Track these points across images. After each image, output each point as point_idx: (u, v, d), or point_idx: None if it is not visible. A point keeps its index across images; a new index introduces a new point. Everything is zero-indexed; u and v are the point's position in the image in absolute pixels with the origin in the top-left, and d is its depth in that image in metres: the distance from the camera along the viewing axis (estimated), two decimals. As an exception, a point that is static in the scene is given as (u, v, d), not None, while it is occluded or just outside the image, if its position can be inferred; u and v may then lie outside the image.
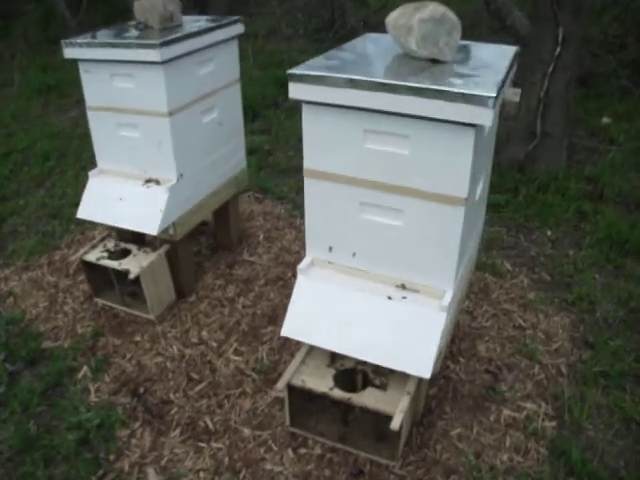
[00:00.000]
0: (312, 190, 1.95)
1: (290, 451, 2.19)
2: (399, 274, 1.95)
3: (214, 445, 2.23)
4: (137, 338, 2.78)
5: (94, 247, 2.95)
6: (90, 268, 2.92)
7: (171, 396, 2.45)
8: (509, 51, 1.99)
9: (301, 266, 2.05)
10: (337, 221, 1.95)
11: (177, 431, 2.29)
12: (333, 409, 2.14)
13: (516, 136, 4.18)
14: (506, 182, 3.94)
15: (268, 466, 2.14)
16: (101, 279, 2.94)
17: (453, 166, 1.68)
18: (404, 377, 2.05)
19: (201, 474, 2.12)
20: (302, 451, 2.19)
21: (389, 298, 1.93)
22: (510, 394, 2.40)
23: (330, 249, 2.03)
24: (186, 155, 2.74)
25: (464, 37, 1.88)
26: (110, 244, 2.98)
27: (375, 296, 1.94)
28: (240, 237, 3.52)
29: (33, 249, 3.46)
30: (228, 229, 3.41)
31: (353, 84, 1.65)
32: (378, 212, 1.88)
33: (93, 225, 3.53)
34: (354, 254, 1.99)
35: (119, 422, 2.33)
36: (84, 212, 2.84)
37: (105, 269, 2.86)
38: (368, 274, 2.00)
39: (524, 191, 3.86)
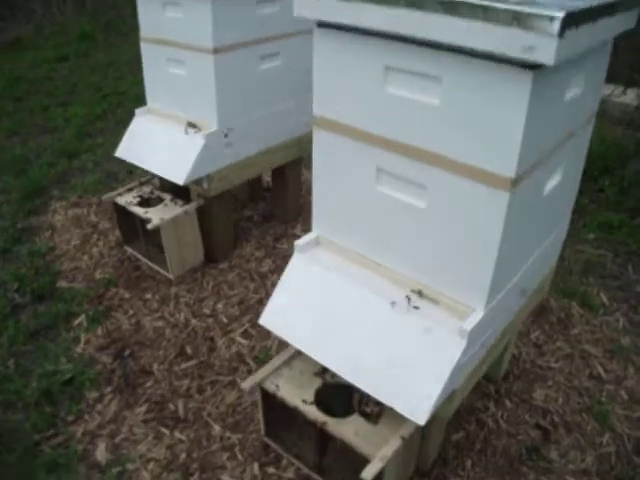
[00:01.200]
0: (322, 145, 1.51)
1: (256, 466, 1.78)
2: (417, 275, 1.45)
3: (176, 435, 1.89)
4: (147, 295, 2.52)
5: (130, 190, 2.74)
6: (123, 213, 2.71)
7: (154, 367, 2.15)
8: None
9: (300, 242, 1.61)
10: (349, 188, 1.49)
11: (143, 407, 1.98)
12: (310, 430, 1.69)
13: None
14: (626, 200, 3.14)
15: (225, 477, 1.75)
16: (133, 226, 2.72)
17: (498, 128, 1.15)
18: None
19: (149, 465, 1.79)
20: (270, 470, 1.77)
21: (393, 305, 1.43)
22: (560, 464, 1.78)
23: (338, 226, 1.57)
24: (234, 102, 2.40)
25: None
26: (147, 189, 2.74)
27: (380, 299, 1.46)
28: (299, 210, 3.14)
29: (90, 186, 3.35)
30: (285, 198, 3.04)
31: (371, -4, 1.17)
32: (397, 185, 1.38)
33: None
34: (365, 238, 1.52)
35: (91, 382, 2.07)
36: (122, 151, 2.62)
37: (134, 218, 2.63)
38: (380, 268, 1.51)
39: (648, 214, 3.06)
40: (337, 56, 1.35)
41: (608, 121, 3.69)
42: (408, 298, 1.43)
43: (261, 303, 2.48)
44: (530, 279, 1.65)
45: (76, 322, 2.36)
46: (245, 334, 2.31)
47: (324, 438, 1.66)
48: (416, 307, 1.42)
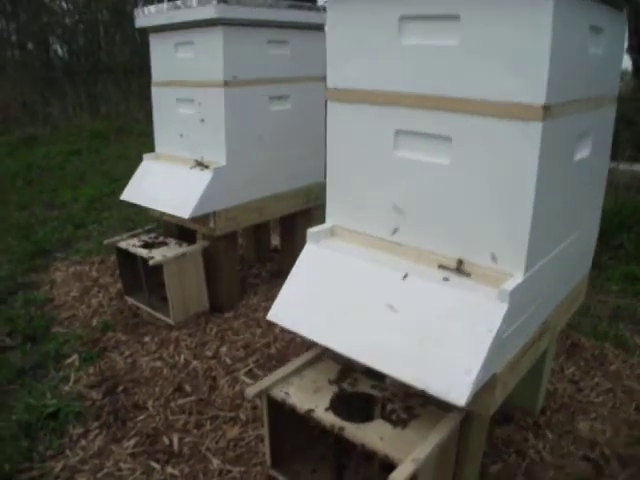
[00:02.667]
0: (336, 120, 1.46)
1: (261, 501, 1.52)
2: (445, 247, 1.32)
3: (169, 470, 1.63)
4: (146, 339, 2.33)
5: (134, 236, 2.65)
6: (125, 260, 2.61)
7: (148, 403, 1.92)
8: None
9: (313, 230, 1.50)
10: (366, 162, 1.41)
11: (132, 441, 1.74)
12: (325, 450, 1.45)
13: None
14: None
15: (224, 513, 1.48)
16: (135, 275, 2.60)
17: (523, 54, 1.09)
18: (437, 417, 1.34)
19: (135, 501, 1.53)
20: (278, 505, 1.50)
21: (420, 279, 1.29)
22: (620, 498, 1.51)
23: (354, 209, 1.47)
24: (242, 139, 2.40)
25: None
26: (151, 235, 2.66)
27: (402, 274, 1.31)
28: (307, 267, 3.02)
29: (94, 249, 3.27)
30: (293, 251, 2.92)
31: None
32: (418, 145, 1.30)
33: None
34: (384, 216, 1.41)
35: (77, 417, 1.84)
36: (128, 194, 2.58)
37: (137, 264, 2.52)
38: (401, 248, 1.39)
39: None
40: (350, 16, 1.33)
41: (617, 188, 3.68)
42: (442, 267, 1.29)
43: (268, 347, 2.29)
44: (566, 269, 1.51)
45: (67, 361, 2.16)
46: (250, 374, 2.10)
47: (341, 454, 1.42)
48: (446, 279, 1.28)
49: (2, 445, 1.72)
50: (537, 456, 1.65)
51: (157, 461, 1.67)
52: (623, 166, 3.93)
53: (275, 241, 3.31)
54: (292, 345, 2.30)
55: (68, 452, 1.71)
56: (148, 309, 2.55)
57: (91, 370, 2.11)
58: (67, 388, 2.00)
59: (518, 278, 1.21)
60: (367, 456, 1.53)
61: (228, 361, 2.18)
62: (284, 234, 3.01)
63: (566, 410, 1.85)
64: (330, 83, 1.43)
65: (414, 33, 1.24)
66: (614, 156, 4.02)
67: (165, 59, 2.50)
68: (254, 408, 1.89)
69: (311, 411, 1.37)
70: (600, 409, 1.86)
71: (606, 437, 1.73)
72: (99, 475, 1.62)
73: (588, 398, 1.92)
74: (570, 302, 1.67)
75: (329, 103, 1.45)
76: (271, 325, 2.47)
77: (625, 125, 4.94)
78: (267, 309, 2.57)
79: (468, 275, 1.28)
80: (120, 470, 1.64)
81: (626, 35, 1.52)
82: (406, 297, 1.28)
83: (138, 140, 6.26)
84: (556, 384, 2.00)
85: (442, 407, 1.36)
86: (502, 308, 1.16)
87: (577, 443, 1.70)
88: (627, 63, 7.76)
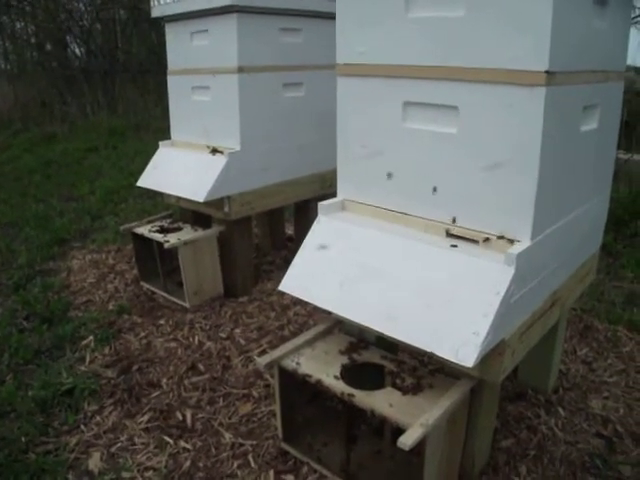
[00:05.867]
0: (345, 95, 1.48)
1: (272, 474, 1.53)
2: (452, 215, 1.33)
3: (182, 444, 1.66)
4: (161, 321, 2.36)
5: (149, 222, 2.69)
6: (141, 247, 2.65)
7: (162, 381, 1.95)
8: None
9: (324, 203, 1.51)
10: (375, 134, 1.42)
11: (146, 416, 1.77)
12: (336, 423, 1.46)
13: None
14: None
15: (235, 485, 1.50)
16: (152, 261, 2.64)
17: (526, 20, 1.10)
18: (447, 385, 1.34)
19: (147, 474, 1.55)
20: (288, 478, 1.52)
21: (429, 246, 1.30)
22: (632, 473, 1.50)
23: (364, 182, 1.48)
24: (256, 125, 2.42)
25: None
26: (167, 221, 2.69)
27: (413, 243, 1.32)
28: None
29: (110, 238, 3.32)
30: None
31: None
32: (425, 115, 1.31)
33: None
34: (393, 187, 1.42)
35: (92, 394, 1.88)
36: (144, 181, 2.62)
37: (153, 250, 2.56)
38: (410, 219, 1.40)
39: None
40: (360, -9, 1.35)
41: (632, 177, 3.64)
42: (450, 235, 1.30)
43: (282, 329, 2.31)
44: (575, 241, 1.51)
45: (83, 343, 2.20)
46: (264, 354, 2.12)
47: (351, 423, 1.43)
48: (454, 246, 1.29)
49: (19, 420, 1.76)
50: (549, 432, 1.64)
51: (170, 436, 1.69)
52: (638, 156, 3.91)
53: (290, 231, 3.33)
54: (305, 328, 2.31)
55: (83, 427, 1.74)
56: (163, 293, 2.58)
57: (106, 351, 2.14)
58: (83, 367, 2.04)
59: (525, 244, 1.21)
60: (378, 430, 1.55)
61: (242, 342, 2.20)
62: (298, 221, 3.03)
63: (579, 389, 1.84)
64: (339, 58, 1.45)
65: (421, 5, 1.25)
66: (629, 147, 4.00)
67: (181, 48, 2.53)
68: (267, 386, 1.91)
69: (322, 380, 1.39)
70: (613, 388, 1.85)
71: (619, 415, 1.72)
72: (113, 449, 1.65)
73: (601, 378, 1.91)
74: (580, 277, 1.66)
75: (338, 79, 1.47)
76: (285, 309, 2.49)
77: (640, 118, 4.91)
78: (281, 294, 2.61)
79: (476, 242, 1.28)
80: (134, 444, 1.67)
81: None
82: (415, 264, 1.29)
83: (155, 136, 6.29)
84: (569, 365, 1.99)
85: (452, 375, 1.37)
86: (509, 272, 1.17)
87: (590, 420, 1.69)
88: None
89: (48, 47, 8.86)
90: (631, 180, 3.53)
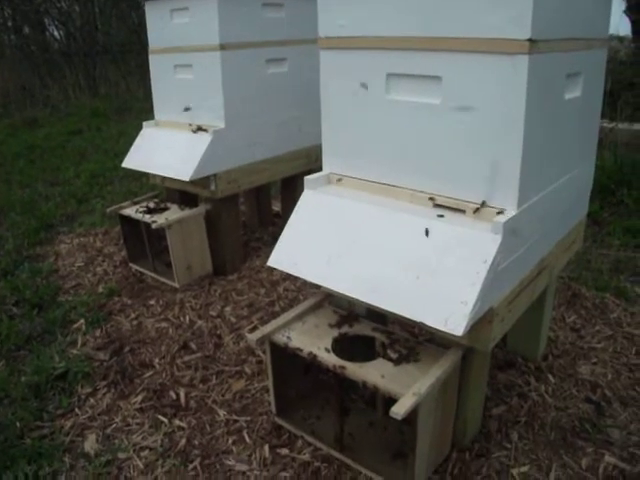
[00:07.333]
0: (328, 68, 1.46)
1: (267, 449, 1.54)
2: (438, 186, 1.32)
3: (176, 422, 1.67)
4: (151, 302, 2.36)
5: (136, 204, 2.67)
6: (129, 228, 2.63)
7: (155, 361, 1.96)
8: None
9: (310, 177, 1.51)
10: (359, 108, 1.41)
11: (140, 397, 1.77)
12: (329, 396, 1.48)
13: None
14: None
15: (230, 462, 1.52)
16: (140, 242, 2.62)
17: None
18: (437, 355, 1.36)
19: (142, 453, 1.56)
20: (283, 452, 1.53)
21: (415, 217, 1.30)
22: (620, 436, 1.53)
23: (349, 156, 1.47)
24: (241, 102, 2.39)
25: None
26: (153, 202, 2.67)
27: (400, 214, 1.32)
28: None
29: (97, 221, 3.29)
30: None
31: None
32: (408, 87, 1.30)
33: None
34: (378, 160, 1.41)
35: (85, 377, 1.88)
36: (129, 161, 2.59)
37: (141, 231, 2.54)
38: (396, 190, 1.39)
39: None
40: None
41: (617, 146, 3.65)
42: (437, 205, 1.30)
43: (272, 305, 2.32)
44: (562, 209, 1.51)
45: (74, 326, 2.19)
46: (255, 330, 2.12)
47: (344, 395, 1.44)
48: (441, 215, 1.29)
49: (13, 406, 1.76)
50: (539, 398, 1.67)
51: (165, 415, 1.70)
52: (622, 125, 3.91)
53: (277, 207, 3.31)
54: (295, 303, 2.31)
55: (77, 410, 1.75)
56: (153, 274, 2.57)
57: (98, 333, 2.14)
58: (75, 351, 2.04)
59: (511, 212, 1.21)
60: (370, 402, 1.56)
61: (233, 319, 2.20)
62: (285, 197, 3.02)
63: (567, 356, 1.87)
64: (321, 32, 1.43)
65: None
66: (613, 116, 4.00)
67: (161, 26, 2.48)
68: (259, 362, 1.92)
69: (313, 353, 1.40)
70: (601, 354, 1.88)
71: (607, 380, 1.75)
72: (108, 430, 1.66)
73: (589, 344, 1.94)
74: (567, 245, 1.67)
75: (321, 52, 1.45)
76: (274, 285, 2.49)
77: (625, 87, 4.91)
78: (270, 270, 2.62)
79: (463, 212, 1.28)
80: (128, 425, 1.68)
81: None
82: (402, 235, 1.29)
83: (138, 117, 6.22)
84: (557, 332, 2.02)
85: (443, 345, 1.38)
86: (496, 240, 1.17)
87: (579, 386, 1.72)
88: (627, 28, 7.60)
89: (26, 30, 8.67)
90: (616, 149, 3.55)
